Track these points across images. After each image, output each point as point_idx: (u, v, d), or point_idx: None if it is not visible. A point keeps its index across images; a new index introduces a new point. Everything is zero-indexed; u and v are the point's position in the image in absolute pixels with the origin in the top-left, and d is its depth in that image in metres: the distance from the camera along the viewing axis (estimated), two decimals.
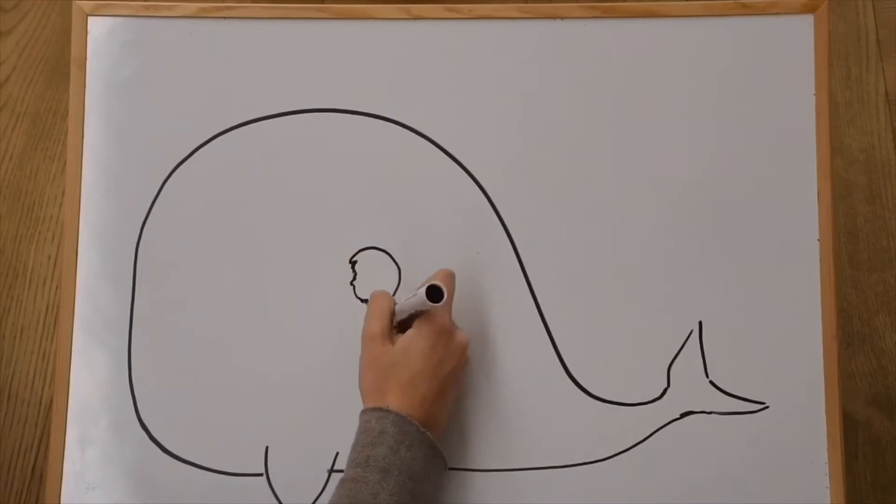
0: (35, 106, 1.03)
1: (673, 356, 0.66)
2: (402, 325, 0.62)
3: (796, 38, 0.68)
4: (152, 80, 0.70)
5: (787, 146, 0.67)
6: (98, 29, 0.70)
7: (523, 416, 0.66)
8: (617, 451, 0.66)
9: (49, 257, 0.98)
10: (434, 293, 0.58)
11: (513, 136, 0.68)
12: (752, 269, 0.67)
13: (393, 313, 0.62)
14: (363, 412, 0.60)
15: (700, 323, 0.67)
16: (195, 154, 0.69)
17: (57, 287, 0.96)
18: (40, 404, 0.93)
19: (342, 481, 0.58)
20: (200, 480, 0.66)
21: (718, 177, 0.67)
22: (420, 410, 0.59)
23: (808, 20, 0.68)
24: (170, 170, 0.69)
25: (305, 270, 0.68)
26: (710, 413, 0.66)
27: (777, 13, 0.68)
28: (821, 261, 0.66)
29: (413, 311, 0.61)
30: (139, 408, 0.68)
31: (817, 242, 0.67)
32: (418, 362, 0.60)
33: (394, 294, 0.67)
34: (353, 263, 0.68)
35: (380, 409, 0.59)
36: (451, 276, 0.63)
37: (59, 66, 1.03)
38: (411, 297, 0.61)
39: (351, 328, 0.65)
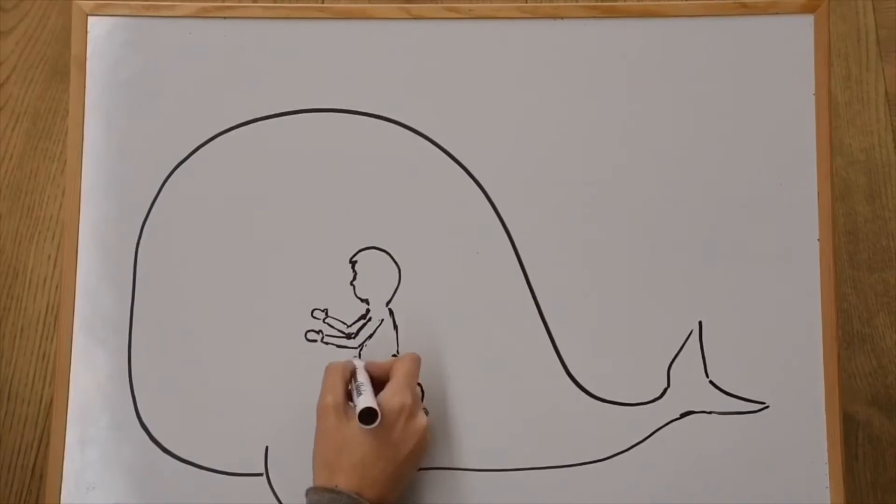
0: (35, 106, 1.03)
1: (673, 356, 0.66)
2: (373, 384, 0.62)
3: (796, 38, 0.68)
4: (152, 80, 0.70)
5: (787, 146, 0.67)
6: (98, 29, 0.70)
7: (523, 416, 0.66)
8: (617, 451, 0.66)
9: (49, 257, 0.98)
10: (367, 416, 0.57)
11: (513, 135, 0.68)
12: (752, 269, 0.67)
13: (348, 384, 0.61)
14: (312, 490, 0.58)
15: (700, 323, 0.67)
16: (195, 154, 0.69)
17: (57, 287, 0.96)
18: (40, 404, 0.93)
19: None
20: (200, 480, 0.66)
21: (718, 177, 0.67)
22: (371, 491, 0.57)
23: (808, 20, 0.68)
24: (170, 170, 0.69)
25: (305, 270, 0.68)
26: (710, 413, 0.66)
27: (777, 13, 0.68)
28: (821, 261, 0.66)
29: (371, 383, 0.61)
30: (139, 408, 0.68)
31: (817, 242, 0.67)
32: (374, 442, 0.58)
33: (392, 294, 0.67)
34: (353, 263, 0.68)
35: (331, 491, 0.57)
36: (414, 362, 0.63)
37: (59, 66, 1.03)
38: (359, 390, 0.60)
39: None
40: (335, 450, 0.59)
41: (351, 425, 0.59)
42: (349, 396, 0.61)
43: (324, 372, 0.62)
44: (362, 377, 0.62)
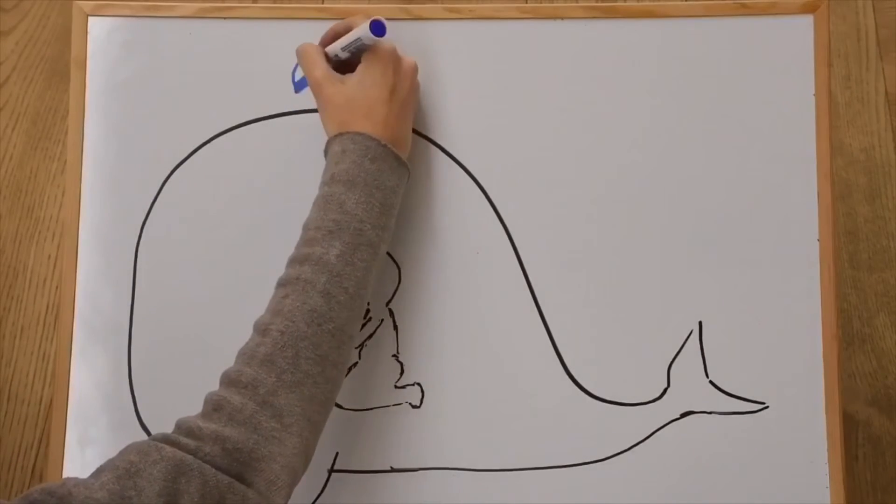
0: (35, 106, 1.03)
1: (673, 356, 0.66)
2: (343, 68, 0.64)
3: (796, 38, 0.68)
4: (152, 80, 0.70)
5: (786, 146, 0.67)
6: (98, 29, 0.70)
7: (523, 416, 0.66)
8: (617, 451, 0.66)
9: (49, 257, 0.98)
10: (378, 27, 0.60)
11: (513, 135, 0.68)
12: (752, 269, 0.67)
13: (326, 57, 0.64)
14: (335, 138, 0.61)
15: (700, 323, 0.67)
16: (195, 154, 0.69)
17: (57, 287, 0.96)
18: (40, 404, 0.93)
19: (313, 203, 0.60)
20: None
21: (718, 177, 0.67)
22: (384, 132, 0.61)
23: (807, 20, 0.68)
24: (170, 170, 0.69)
25: None
26: (710, 413, 0.66)
27: (777, 13, 0.68)
28: (821, 261, 0.66)
29: (351, 52, 0.63)
30: (139, 408, 0.68)
31: (817, 242, 0.67)
32: (374, 91, 0.61)
33: (392, 294, 0.67)
34: None
35: (341, 134, 0.61)
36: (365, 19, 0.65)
37: (59, 66, 1.03)
38: (345, 40, 0.63)
39: None
40: (344, 109, 0.62)
41: (348, 86, 0.62)
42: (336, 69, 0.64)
43: (297, 57, 0.66)
44: (340, 40, 0.64)
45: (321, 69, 0.63)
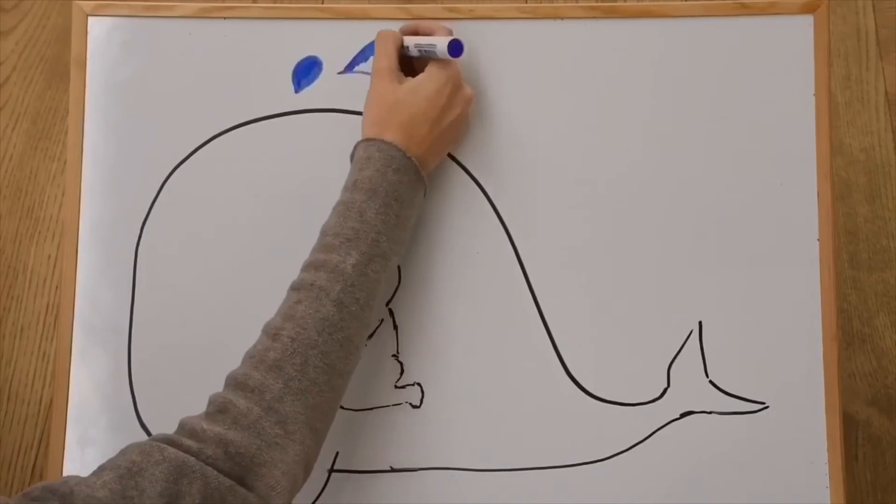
0: (35, 106, 1.03)
1: (673, 356, 0.66)
2: (409, 70, 0.65)
3: (796, 38, 0.68)
4: (152, 80, 0.70)
5: (787, 146, 0.67)
6: (98, 29, 0.70)
7: (523, 416, 0.66)
8: (617, 451, 0.66)
9: (49, 257, 0.98)
10: (456, 48, 0.61)
11: (513, 135, 0.68)
12: (752, 269, 0.67)
13: (399, 49, 0.64)
14: (362, 143, 0.62)
15: (700, 323, 0.67)
16: (195, 154, 0.69)
17: (57, 287, 0.96)
18: (40, 404, 0.93)
19: (333, 207, 0.60)
20: None
21: (718, 177, 0.67)
22: (414, 148, 0.61)
23: (807, 20, 0.68)
24: (170, 170, 0.69)
25: None
26: (710, 413, 0.66)
27: (777, 13, 0.68)
28: (821, 261, 0.66)
29: (420, 53, 0.64)
30: (139, 408, 0.68)
31: (817, 242, 0.66)
32: (422, 104, 0.62)
33: (392, 294, 0.67)
34: None
35: (369, 140, 0.61)
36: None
37: (59, 66, 1.03)
38: (423, 40, 0.63)
39: None
40: (386, 109, 0.62)
41: (402, 88, 0.62)
42: (401, 62, 0.64)
43: (376, 39, 0.65)
44: (419, 38, 0.64)
45: (388, 60, 0.63)
